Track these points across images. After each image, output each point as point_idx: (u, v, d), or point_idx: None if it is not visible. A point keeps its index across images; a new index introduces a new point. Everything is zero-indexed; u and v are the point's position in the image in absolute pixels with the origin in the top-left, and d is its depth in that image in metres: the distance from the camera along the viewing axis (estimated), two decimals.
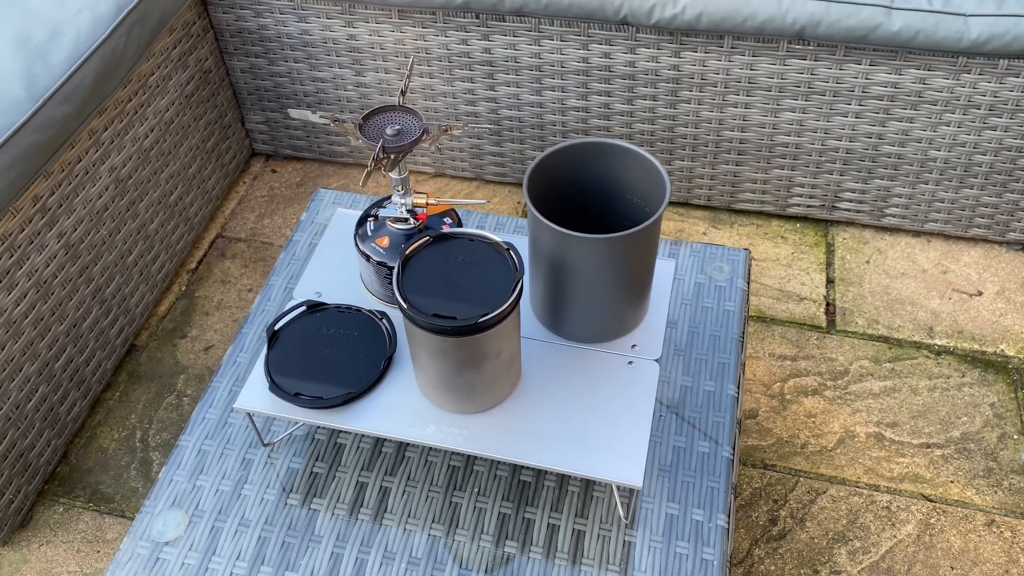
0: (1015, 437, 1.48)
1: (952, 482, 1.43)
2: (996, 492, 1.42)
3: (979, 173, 1.63)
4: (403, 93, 0.93)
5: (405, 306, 0.81)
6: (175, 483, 0.99)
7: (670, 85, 1.65)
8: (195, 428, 1.04)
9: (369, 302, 1.02)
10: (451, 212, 1.00)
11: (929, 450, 1.47)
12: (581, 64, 1.66)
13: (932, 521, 1.39)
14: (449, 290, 0.83)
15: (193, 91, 1.75)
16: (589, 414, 0.91)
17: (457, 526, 0.95)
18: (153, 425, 1.56)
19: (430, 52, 1.72)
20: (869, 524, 1.39)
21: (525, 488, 0.98)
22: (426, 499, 0.97)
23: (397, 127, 0.89)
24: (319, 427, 1.03)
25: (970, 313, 1.66)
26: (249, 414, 0.96)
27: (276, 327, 0.98)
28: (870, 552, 1.36)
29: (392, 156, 0.89)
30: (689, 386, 1.05)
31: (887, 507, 1.41)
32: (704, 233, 1.82)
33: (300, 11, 1.71)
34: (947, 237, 1.78)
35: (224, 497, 0.98)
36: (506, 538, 0.94)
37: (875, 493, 1.43)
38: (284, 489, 0.98)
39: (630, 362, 0.95)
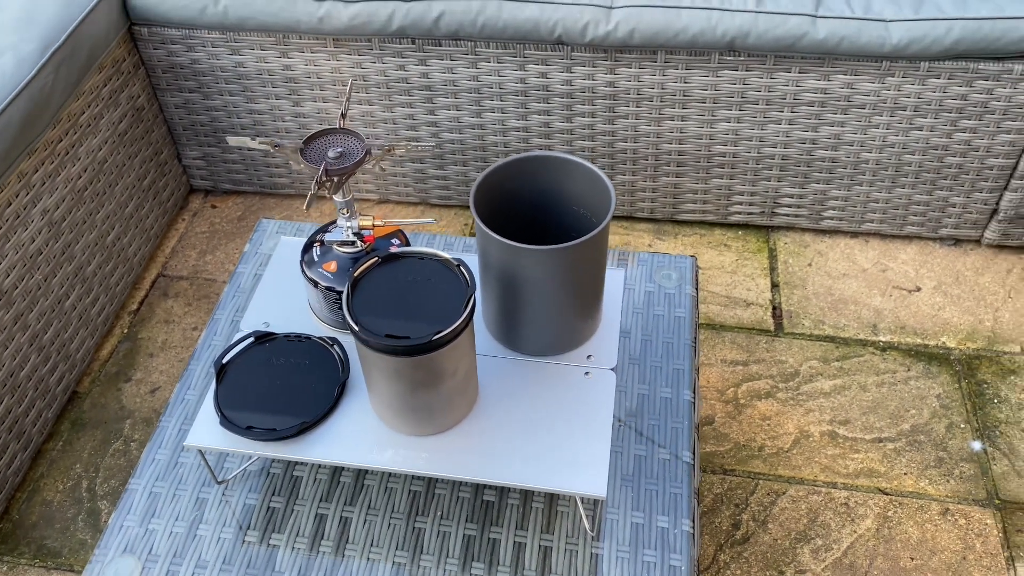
0: (962, 426, 1.52)
1: (906, 474, 1.46)
2: (948, 481, 1.45)
3: (909, 172, 1.68)
4: (343, 116, 0.92)
5: (357, 328, 0.80)
6: (126, 528, 0.96)
7: (607, 101, 1.67)
8: (144, 470, 1.01)
9: (319, 329, 1.01)
10: (398, 233, 0.99)
11: (881, 444, 1.50)
12: (519, 84, 1.67)
13: (890, 514, 1.41)
14: (401, 310, 0.82)
15: (126, 129, 1.71)
16: (549, 428, 0.90)
17: (422, 552, 0.94)
18: (100, 473, 1.51)
19: (367, 79, 1.72)
20: (829, 522, 1.41)
21: (489, 508, 0.97)
22: (388, 527, 0.96)
23: (339, 149, 0.89)
24: (274, 460, 1.01)
25: (910, 309, 1.70)
26: (200, 451, 0.94)
27: (224, 360, 0.95)
28: (832, 549, 1.37)
29: (335, 179, 0.89)
30: (646, 394, 1.05)
31: (845, 503, 1.43)
32: (649, 245, 1.84)
33: (233, 43, 1.70)
34: (883, 236, 1.83)
35: (178, 539, 0.95)
36: (472, 560, 0.93)
37: (833, 490, 1.44)
38: (241, 527, 0.96)
39: (586, 373, 0.95)
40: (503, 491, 0.98)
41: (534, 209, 0.95)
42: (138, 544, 0.94)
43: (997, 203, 1.70)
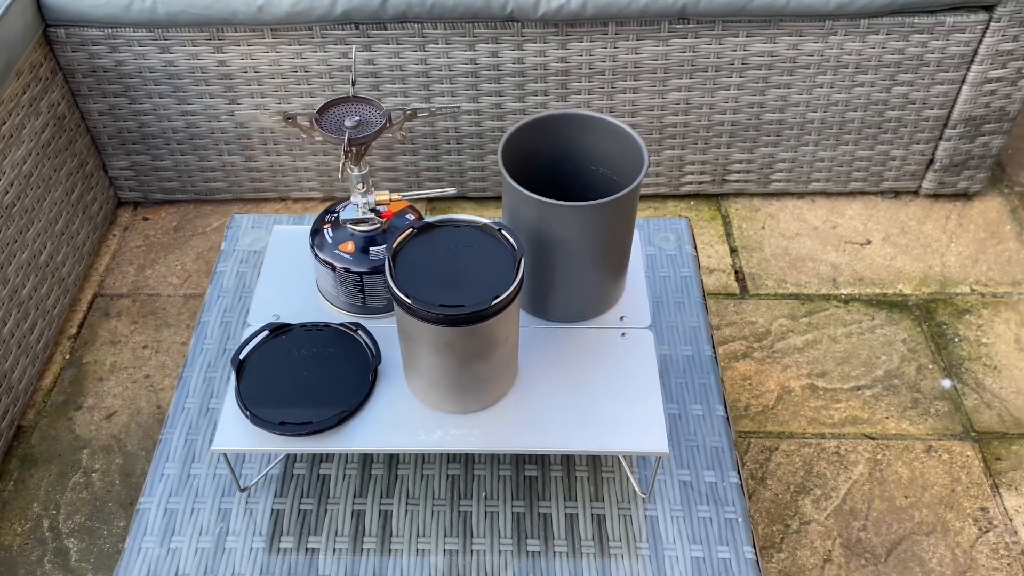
0: (930, 367, 1.57)
1: (887, 418, 1.50)
2: (927, 420, 1.50)
3: (852, 129, 1.74)
4: (353, 84, 0.87)
5: (409, 301, 0.75)
6: (145, 551, 0.88)
7: (560, 77, 1.65)
8: (154, 488, 0.93)
9: (334, 316, 0.95)
10: (410, 208, 0.94)
11: (860, 392, 1.54)
12: (469, 65, 1.64)
13: (879, 457, 1.45)
14: (445, 279, 0.78)
15: (49, 139, 1.59)
16: (597, 391, 0.88)
17: (472, 536, 0.89)
18: (62, 510, 1.39)
19: (309, 69, 1.65)
20: (824, 471, 1.43)
21: (533, 483, 0.93)
22: (432, 515, 0.91)
23: (356, 118, 0.83)
24: (297, 461, 0.94)
25: (865, 261, 1.76)
26: (226, 456, 0.86)
27: (241, 356, 0.89)
28: (831, 497, 1.40)
29: (354, 149, 0.83)
30: (668, 354, 1.04)
31: (836, 452, 1.46)
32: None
33: (162, 41, 1.60)
34: (829, 194, 1.88)
35: (207, 555, 0.87)
36: (526, 537, 0.89)
37: (822, 441, 1.47)
38: (273, 534, 0.89)
39: (623, 334, 0.93)
40: (545, 464, 0.95)
41: (555, 170, 0.93)
42: (162, 566, 0.86)
43: (933, 153, 1.78)
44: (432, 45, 1.61)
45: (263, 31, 1.59)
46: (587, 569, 0.87)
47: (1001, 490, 1.40)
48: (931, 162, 1.79)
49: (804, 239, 1.80)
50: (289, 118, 0.84)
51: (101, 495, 1.40)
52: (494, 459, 0.95)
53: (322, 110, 0.84)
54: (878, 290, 1.70)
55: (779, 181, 1.84)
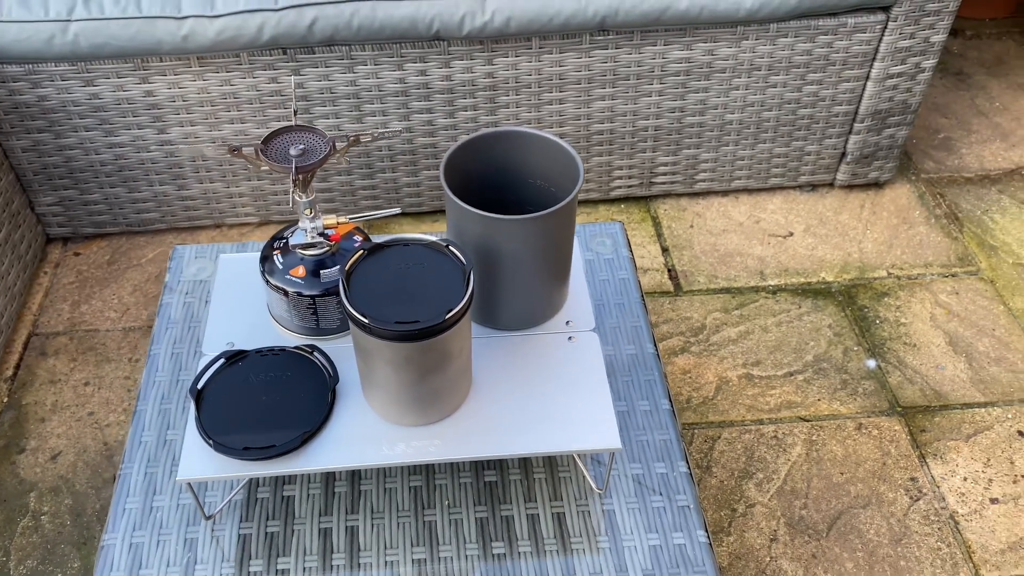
0: (855, 349, 1.66)
1: (819, 400, 1.58)
2: (855, 399, 1.58)
3: (768, 128, 1.82)
4: (296, 113, 0.90)
5: (366, 320, 0.78)
6: None
7: (488, 92, 1.69)
8: (117, 523, 0.93)
9: (288, 339, 0.97)
10: (355, 231, 0.97)
11: (792, 377, 1.62)
12: (398, 85, 1.66)
13: (814, 438, 1.52)
14: (399, 297, 0.81)
15: None
16: (549, 395, 0.92)
17: (438, 544, 0.92)
18: (12, 555, 1.36)
19: (238, 96, 1.65)
20: (764, 455, 1.50)
21: (493, 488, 0.97)
22: (398, 526, 0.93)
23: (301, 147, 0.86)
24: (261, 484, 0.96)
25: (788, 252, 1.84)
26: (191, 485, 0.88)
27: (199, 386, 0.90)
28: (773, 479, 1.47)
29: (302, 177, 0.86)
30: (612, 354, 1.09)
31: (775, 436, 1.53)
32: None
33: (85, 74, 1.58)
34: (751, 191, 1.97)
35: None
36: (490, 540, 0.92)
37: (761, 427, 1.54)
38: (242, 559, 0.90)
39: (570, 338, 0.97)
40: (504, 469, 0.98)
41: (493, 185, 0.96)
42: None
43: (844, 147, 1.88)
44: (360, 67, 1.63)
45: (189, 60, 1.59)
46: (551, 567, 0.90)
47: (928, 460, 1.49)
48: (843, 155, 1.89)
49: (731, 235, 1.88)
50: (235, 150, 0.86)
51: (52, 537, 1.38)
52: (454, 467, 0.98)
53: (266, 140, 0.86)
54: (803, 279, 1.79)
55: (704, 180, 1.91)
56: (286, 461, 0.86)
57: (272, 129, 0.87)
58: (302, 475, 0.96)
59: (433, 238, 0.85)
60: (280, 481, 0.97)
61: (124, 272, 1.80)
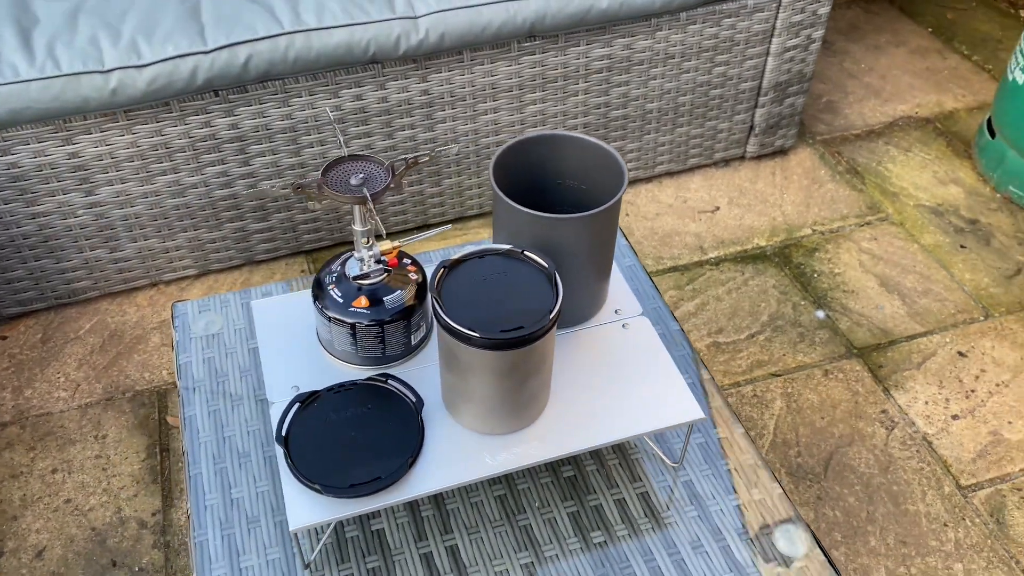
0: (803, 303, 1.79)
1: (784, 355, 1.69)
2: (815, 348, 1.70)
3: (684, 112, 1.93)
4: (342, 146, 0.89)
5: (475, 333, 0.79)
6: None
7: (424, 109, 1.71)
8: None
9: (351, 373, 0.95)
10: (399, 254, 0.97)
11: (755, 338, 1.72)
12: (334, 113, 1.65)
13: (790, 391, 1.63)
14: (491, 308, 0.82)
15: None
16: (622, 381, 0.95)
17: (540, 544, 0.94)
18: None
19: (171, 145, 1.59)
20: (751, 414, 1.59)
21: (575, 482, 0.99)
22: (496, 536, 0.94)
23: (360, 175, 0.85)
24: (348, 524, 0.94)
25: (720, 225, 1.95)
26: (296, 535, 0.85)
27: (284, 433, 0.87)
28: (764, 435, 1.56)
29: (360, 207, 0.85)
30: None
31: (755, 395, 1.63)
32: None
33: (1, 143, 1.48)
34: (673, 174, 2.07)
35: None
36: (588, 531, 0.95)
37: (740, 388, 1.63)
38: None
39: (624, 325, 1.01)
40: (579, 463, 1.01)
41: (530, 188, 0.99)
42: None
43: (752, 120, 2.01)
44: (296, 99, 1.61)
45: (116, 114, 1.52)
46: (652, 544, 0.94)
47: (892, 392, 1.63)
48: (751, 128, 2.03)
49: (664, 217, 1.97)
50: (299, 187, 0.84)
51: None
52: (532, 472, 1.00)
53: (325, 173, 0.85)
54: (739, 248, 1.90)
55: (631, 170, 2.00)
56: (395, 491, 0.85)
57: (327, 161, 0.86)
58: (386, 508, 0.95)
59: (507, 247, 0.86)
60: (366, 518, 0.95)
61: (63, 348, 1.68)
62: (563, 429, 0.91)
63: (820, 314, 1.77)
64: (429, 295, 0.79)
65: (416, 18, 1.58)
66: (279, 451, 0.87)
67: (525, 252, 0.86)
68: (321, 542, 0.92)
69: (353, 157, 0.87)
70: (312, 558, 0.91)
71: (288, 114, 1.62)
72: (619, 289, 1.05)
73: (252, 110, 1.59)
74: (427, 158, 0.88)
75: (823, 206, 2.00)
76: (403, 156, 0.83)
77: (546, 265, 0.85)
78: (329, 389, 0.91)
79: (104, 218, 1.63)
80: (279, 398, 0.92)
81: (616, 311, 1.02)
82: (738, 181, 2.05)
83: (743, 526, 0.96)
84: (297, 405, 0.90)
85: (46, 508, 1.44)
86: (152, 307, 1.76)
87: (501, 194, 0.90)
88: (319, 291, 0.93)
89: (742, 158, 2.10)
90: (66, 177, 1.56)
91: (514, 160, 0.96)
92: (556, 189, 1.01)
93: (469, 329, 0.79)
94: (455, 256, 0.86)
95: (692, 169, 2.08)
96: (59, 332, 1.71)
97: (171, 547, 1.39)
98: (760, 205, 2.00)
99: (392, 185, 0.83)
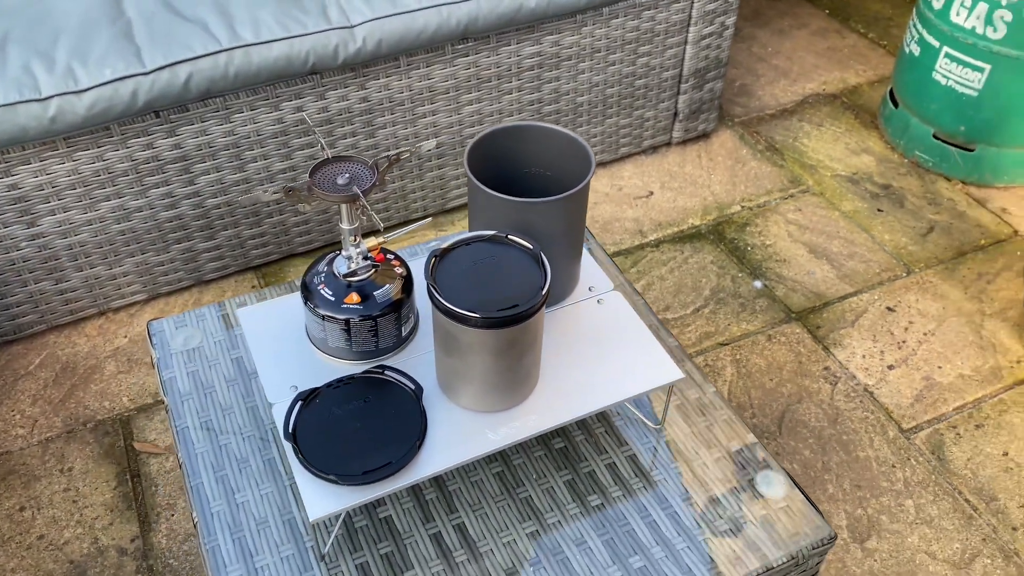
0: (740, 276, 1.89)
1: (729, 325, 1.78)
2: (756, 316, 1.80)
3: (612, 103, 2.01)
4: (322, 148, 0.92)
5: (475, 315, 0.83)
6: None
7: (365, 116, 1.74)
8: None
9: (346, 368, 0.98)
10: (379, 251, 1.00)
11: (700, 312, 1.81)
12: (277, 126, 1.66)
13: (738, 358, 1.72)
14: (485, 290, 0.87)
15: None
16: (605, 352, 1.01)
17: (542, 514, 0.99)
18: None
19: (113, 169, 1.58)
20: None
21: (567, 452, 1.04)
22: (500, 511, 0.99)
23: (346, 175, 0.89)
24: (356, 515, 0.97)
25: (655, 209, 2.04)
26: (315, 526, 0.88)
27: (291, 430, 0.90)
28: None
29: (347, 205, 0.89)
30: None
31: (707, 364, 1.71)
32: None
33: None
34: (606, 163, 2.15)
35: None
36: (585, 496, 1.00)
37: (693, 359, 1.71)
38: None
39: (599, 300, 1.07)
40: (568, 434, 1.06)
41: (499, 177, 1.04)
42: None
43: (676, 107, 2.11)
44: (237, 115, 1.62)
45: (56, 142, 1.50)
46: (647, 502, 1.00)
47: (831, 349, 1.74)
48: (676, 115, 2.12)
49: (602, 206, 2.05)
50: (290, 191, 0.87)
51: None
52: (524, 447, 1.05)
53: (312, 175, 0.88)
54: (676, 229, 1.99)
55: None
56: (407, 473, 0.88)
57: (311, 164, 0.89)
58: (391, 495, 0.98)
59: (491, 232, 0.91)
60: (373, 507, 0.98)
61: (15, 385, 1.65)
62: (556, 401, 0.96)
63: (757, 284, 1.87)
64: (425, 283, 0.83)
65: (352, 27, 1.60)
66: (288, 447, 0.89)
67: (509, 236, 0.91)
68: (333, 534, 0.95)
69: (337, 159, 0.90)
70: (326, 550, 0.94)
71: (231, 130, 1.63)
72: (589, 268, 1.11)
73: (194, 129, 1.59)
74: (408, 154, 0.91)
75: (748, 183, 2.11)
76: (385, 154, 0.86)
77: (531, 246, 0.90)
78: (328, 385, 0.94)
79: (47, 249, 1.61)
80: (280, 399, 0.95)
81: (590, 288, 1.08)
82: (667, 166, 2.15)
83: (726, 475, 1.03)
84: (300, 403, 0.92)
85: (19, 547, 1.41)
86: (103, 336, 1.74)
87: (479, 184, 0.94)
88: (308, 292, 0.96)
89: (669, 144, 2.20)
90: (6, 210, 1.53)
91: (484, 151, 1.01)
92: (523, 178, 1.06)
93: (469, 311, 0.83)
94: (444, 245, 0.90)
95: (623, 158, 2.16)
96: (8, 370, 1.67)
97: (155, 570, 1.39)
98: (691, 187, 2.09)
99: (377, 183, 0.87)
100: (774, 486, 1.02)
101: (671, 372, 0.99)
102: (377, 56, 1.64)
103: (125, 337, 1.73)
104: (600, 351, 1.01)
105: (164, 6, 1.59)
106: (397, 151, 0.89)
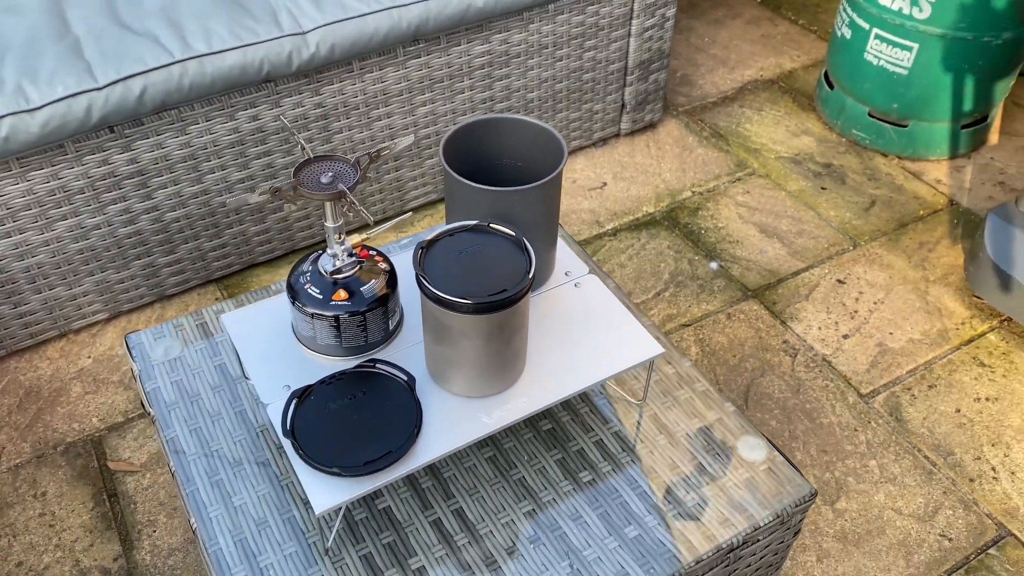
0: (697, 258, 1.94)
1: (691, 306, 1.84)
2: (715, 297, 1.86)
3: (562, 98, 2.05)
4: (303, 149, 0.93)
5: (468, 301, 0.86)
6: None
7: (320, 122, 1.74)
8: None
9: (337, 365, 1.00)
10: (361, 248, 1.02)
11: (661, 296, 1.86)
12: (233, 136, 1.66)
13: (702, 337, 1.78)
14: (474, 277, 0.89)
15: None
16: (587, 333, 1.04)
17: (536, 493, 1.01)
18: None
19: (68, 188, 1.56)
20: None
21: (555, 433, 1.07)
22: (495, 493, 1.01)
23: (330, 174, 0.90)
24: (356, 507, 0.98)
25: (610, 199, 2.09)
26: (322, 520, 0.89)
27: (289, 427, 0.91)
28: None
29: (331, 202, 0.90)
30: None
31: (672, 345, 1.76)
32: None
33: None
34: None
35: None
36: (577, 473, 1.03)
37: (667, 336, 1.76)
38: (375, 575, 0.93)
39: (576, 284, 1.10)
40: (554, 416, 1.09)
41: (473, 168, 1.06)
42: None
43: (623, 99, 2.16)
44: (192, 126, 1.61)
45: (8, 162, 1.48)
46: (635, 474, 1.03)
47: (788, 323, 1.80)
48: (623, 106, 2.17)
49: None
50: (276, 191, 0.88)
51: None
52: (514, 430, 1.07)
53: (296, 175, 0.89)
54: (631, 217, 2.04)
55: None
56: (408, 460, 0.90)
57: (297, 164, 0.90)
58: (388, 485, 1.00)
59: (474, 222, 0.94)
60: (370, 499, 1.00)
61: None
62: (545, 382, 0.99)
63: (713, 265, 1.92)
64: (407, 278, 0.85)
65: (304, 33, 1.61)
66: (287, 444, 0.91)
67: (491, 224, 0.93)
68: (334, 528, 0.96)
69: (319, 158, 0.91)
70: (329, 543, 0.95)
71: (187, 142, 1.62)
72: (564, 253, 1.14)
73: (150, 142, 1.58)
74: (388, 151, 0.93)
75: (697, 169, 2.17)
76: (367, 152, 0.88)
77: (513, 233, 0.93)
78: (321, 382, 0.96)
79: (4, 272, 1.58)
80: (273, 398, 0.96)
81: (566, 273, 1.11)
82: (618, 157, 2.19)
83: (709, 444, 1.07)
84: (295, 401, 0.93)
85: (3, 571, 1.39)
86: (65, 358, 1.71)
87: (457, 176, 0.97)
88: (294, 292, 0.97)
89: (618, 135, 2.25)
90: None
91: (458, 145, 1.04)
92: (496, 169, 1.09)
93: (460, 298, 0.86)
94: (429, 237, 0.92)
95: (575, 151, 2.20)
96: None
97: None
98: (642, 176, 2.14)
99: (360, 180, 0.89)
100: (755, 450, 1.06)
101: (652, 347, 1.03)
102: (331, 61, 1.65)
103: (89, 357, 1.71)
104: (582, 332, 1.04)
105: (112, 21, 1.57)
106: (377, 148, 0.91)
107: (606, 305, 1.08)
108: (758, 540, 1.02)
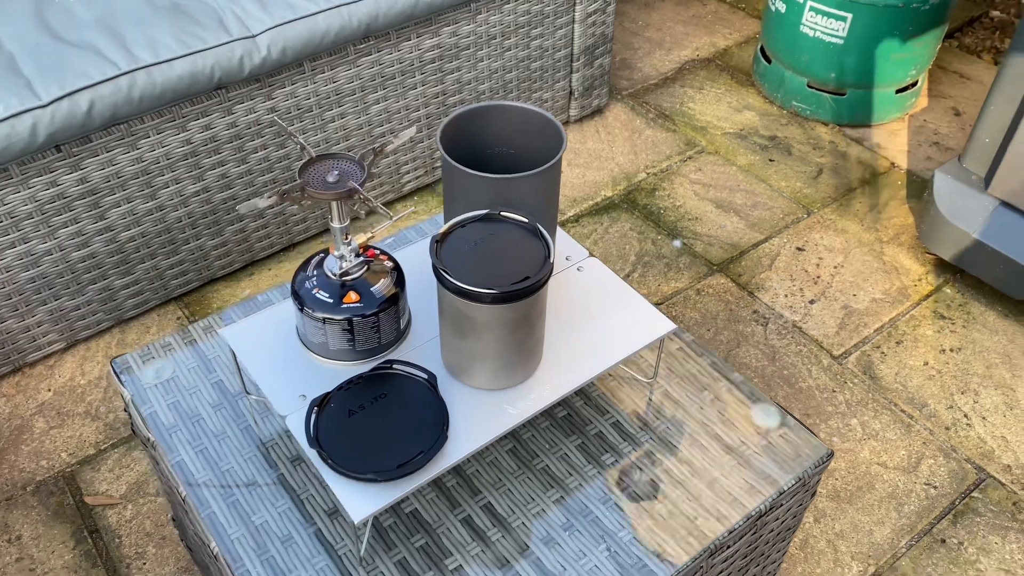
0: (659, 238, 1.96)
1: (660, 285, 1.85)
2: (683, 273, 1.88)
3: (512, 88, 2.04)
4: (303, 148, 0.90)
5: (493, 291, 0.84)
6: None
7: (274, 127, 1.69)
8: None
9: (349, 370, 0.97)
10: (367, 249, 0.99)
11: (631, 277, 1.87)
12: (186, 147, 1.60)
13: (675, 315, 1.79)
14: (491, 267, 0.88)
15: None
16: (597, 316, 1.04)
17: (562, 481, 1.01)
18: None
19: (15, 214, 1.48)
20: None
21: (572, 419, 1.07)
22: (522, 484, 1.00)
23: (335, 172, 0.87)
24: (383, 513, 0.96)
25: (568, 186, 2.09)
26: (366, 525, 0.86)
27: (314, 435, 0.88)
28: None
29: (338, 202, 0.88)
30: None
31: None
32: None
33: None
34: None
35: None
36: (599, 456, 1.03)
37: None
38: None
39: (579, 268, 1.09)
40: (569, 403, 1.08)
41: (468, 157, 1.05)
42: None
43: (570, 85, 2.16)
44: (143, 140, 1.55)
45: None
46: (658, 453, 1.03)
47: (756, 294, 1.84)
48: (571, 93, 2.18)
49: None
50: (284, 194, 0.85)
51: None
52: (531, 422, 1.06)
53: (301, 175, 0.86)
54: (591, 202, 2.05)
55: None
56: (440, 459, 0.88)
57: (300, 165, 0.87)
58: (421, 486, 0.98)
59: (482, 212, 0.92)
60: (396, 504, 0.97)
61: None
62: (564, 368, 0.98)
63: (676, 243, 1.95)
64: (432, 266, 0.83)
65: (254, 37, 1.56)
66: (313, 455, 0.87)
67: (502, 212, 0.92)
68: (365, 537, 0.94)
69: (321, 157, 0.88)
70: (362, 553, 0.92)
71: (138, 157, 1.56)
72: (560, 239, 1.13)
73: (100, 160, 1.51)
74: (391, 145, 0.91)
75: (648, 151, 2.19)
76: (371, 147, 0.86)
77: (526, 220, 0.91)
78: (338, 388, 0.93)
79: None
80: (291, 410, 0.92)
81: (567, 258, 1.11)
82: (570, 144, 2.20)
83: (723, 415, 1.08)
84: (316, 410, 0.90)
85: None
86: (23, 394, 1.62)
87: (456, 164, 0.95)
88: (300, 298, 0.94)
89: (567, 122, 2.25)
90: None
91: (452, 134, 1.02)
92: (489, 157, 1.08)
93: (484, 288, 0.84)
94: (441, 229, 0.90)
95: None
96: None
97: None
98: (596, 161, 2.15)
99: (367, 177, 0.86)
100: (769, 416, 1.08)
101: (664, 324, 1.03)
102: (282, 64, 1.61)
103: (49, 390, 1.63)
104: (593, 315, 1.04)
105: (46, 34, 1.50)
106: (380, 144, 0.88)
107: (611, 286, 1.07)
108: (781, 504, 1.03)
